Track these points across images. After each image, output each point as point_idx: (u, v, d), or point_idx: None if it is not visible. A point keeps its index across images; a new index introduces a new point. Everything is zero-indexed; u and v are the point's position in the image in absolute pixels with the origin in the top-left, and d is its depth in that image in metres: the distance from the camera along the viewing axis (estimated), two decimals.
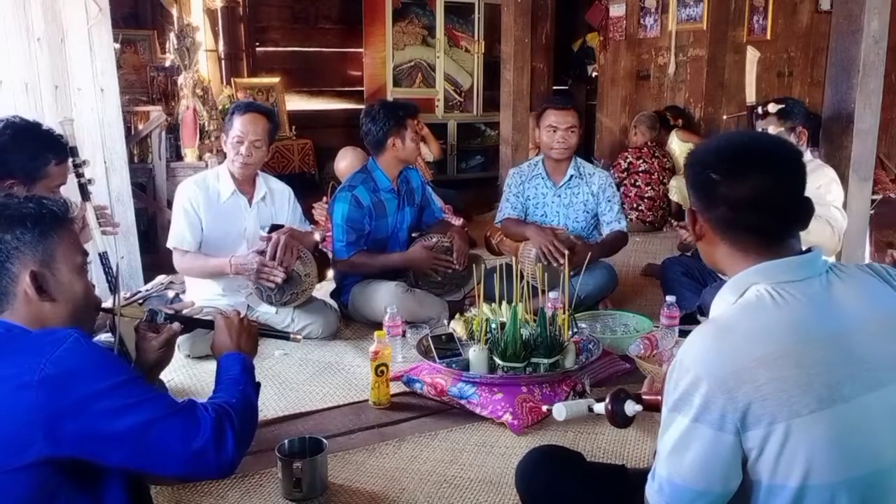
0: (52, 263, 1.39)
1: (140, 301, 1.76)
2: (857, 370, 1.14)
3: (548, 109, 3.53)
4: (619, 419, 1.58)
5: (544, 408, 2.17)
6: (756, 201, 1.22)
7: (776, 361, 1.12)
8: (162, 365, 1.71)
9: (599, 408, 1.64)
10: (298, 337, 2.03)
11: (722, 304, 1.27)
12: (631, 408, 1.57)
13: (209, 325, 1.75)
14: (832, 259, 3.08)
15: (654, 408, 1.47)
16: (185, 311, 1.87)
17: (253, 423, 1.51)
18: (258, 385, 1.63)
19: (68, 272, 1.42)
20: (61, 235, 1.42)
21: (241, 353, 1.66)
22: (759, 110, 3.15)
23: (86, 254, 1.50)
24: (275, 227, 3.13)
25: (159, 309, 1.70)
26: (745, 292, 1.23)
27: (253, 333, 1.74)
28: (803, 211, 1.26)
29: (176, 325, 1.70)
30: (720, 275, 3.01)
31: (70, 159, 2.76)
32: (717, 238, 1.29)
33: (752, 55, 3.84)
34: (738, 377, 1.11)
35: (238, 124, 3.05)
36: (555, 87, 7.79)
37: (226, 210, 3.14)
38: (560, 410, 1.76)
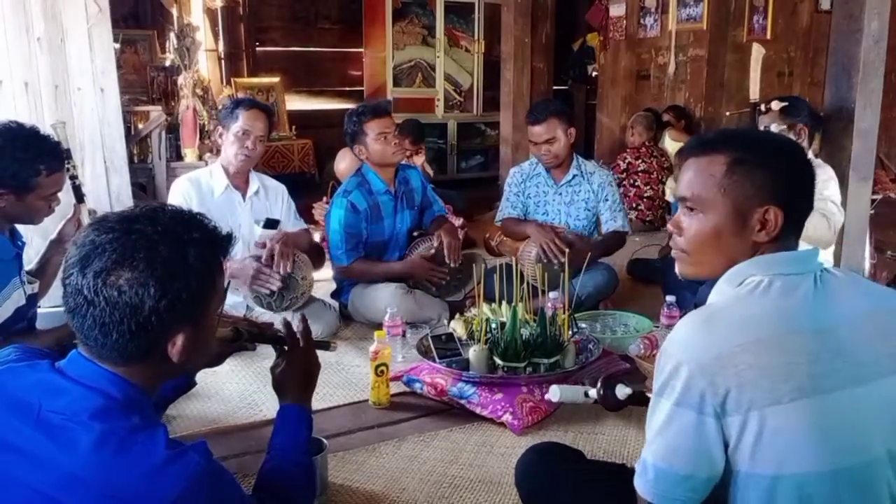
0: (205, 317, 1.11)
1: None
2: (844, 364, 1.14)
3: (527, 125, 3.52)
4: (610, 401, 1.65)
5: (547, 396, 2.18)
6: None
7: (759, 348, 1.12)
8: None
9: (594, 393, 1.69)
10: (335, 344, 2.02)
11: (718, 294, 1.28)
12: (622, 391, 1.63)
13: (281, 341, 1.65)
14: (829, 257, 3.12)
15: None
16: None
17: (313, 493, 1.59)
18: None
19: (213, 325, 1.16)
20: (221, 275, 1.13)
21: (305, 406, 1.57)
22: (763, 107, 3.16)
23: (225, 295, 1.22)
24: (270, 221, 3.14)
25: (244, 329, 1.62)
26: (741, 283, 1.24)
27: (318, 369, 1.65)
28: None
29: (250, 346, 1.63)
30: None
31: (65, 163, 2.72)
32: None
33: (756, 53, 3.84)
34: (720, 362, 1.12)
35: (244, 118, 3.09)
36: (555, 87, 7.80)
37: (220, 206, 3.14)
38: (555, 391, 1.82)
